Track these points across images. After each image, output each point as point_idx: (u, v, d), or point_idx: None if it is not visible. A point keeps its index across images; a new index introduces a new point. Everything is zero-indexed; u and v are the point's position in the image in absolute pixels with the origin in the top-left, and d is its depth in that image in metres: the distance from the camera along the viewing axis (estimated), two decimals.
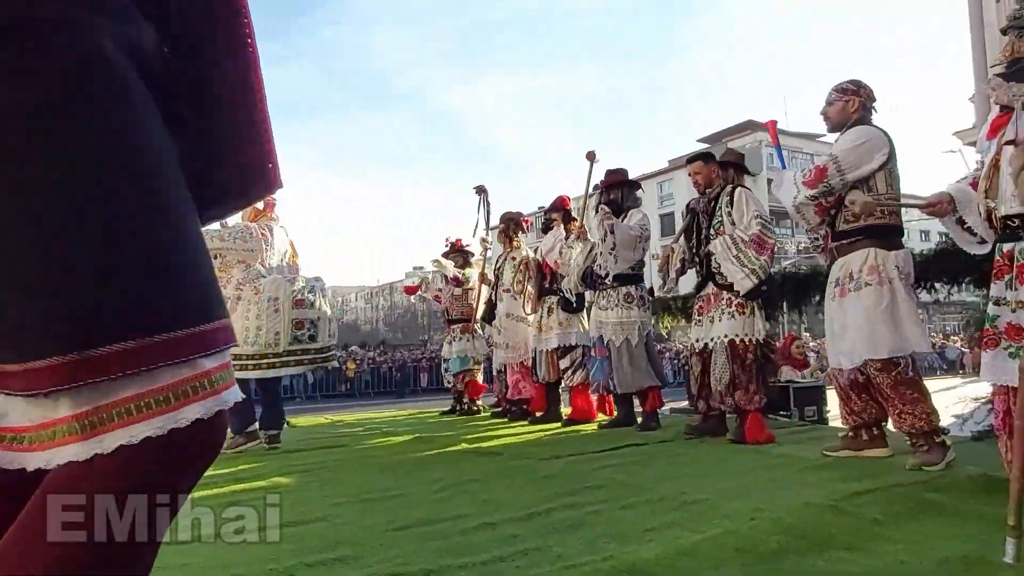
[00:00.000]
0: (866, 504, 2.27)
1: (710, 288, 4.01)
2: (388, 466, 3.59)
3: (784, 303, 5.15)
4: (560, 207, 5.58)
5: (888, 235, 3.08)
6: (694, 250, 4.14)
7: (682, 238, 4.29)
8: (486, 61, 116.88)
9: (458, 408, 6.59)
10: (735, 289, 3.80)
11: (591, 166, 4.71)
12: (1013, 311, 2.24)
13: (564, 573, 1.81)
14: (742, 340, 3.79)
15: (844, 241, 3.12)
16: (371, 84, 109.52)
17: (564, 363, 5.28)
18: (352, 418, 6.82)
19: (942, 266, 3.83)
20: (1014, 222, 2.24)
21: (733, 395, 3.78)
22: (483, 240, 6.32)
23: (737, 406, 3.79)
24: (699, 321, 4.05)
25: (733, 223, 3.87)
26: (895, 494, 2.39)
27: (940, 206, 2.63)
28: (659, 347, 5.50)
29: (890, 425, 3.20)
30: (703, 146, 40.50)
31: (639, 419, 4.67)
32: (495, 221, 6.11)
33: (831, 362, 3.27)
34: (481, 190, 6.12)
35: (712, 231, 3.97)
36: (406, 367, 21.16)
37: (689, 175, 4.22)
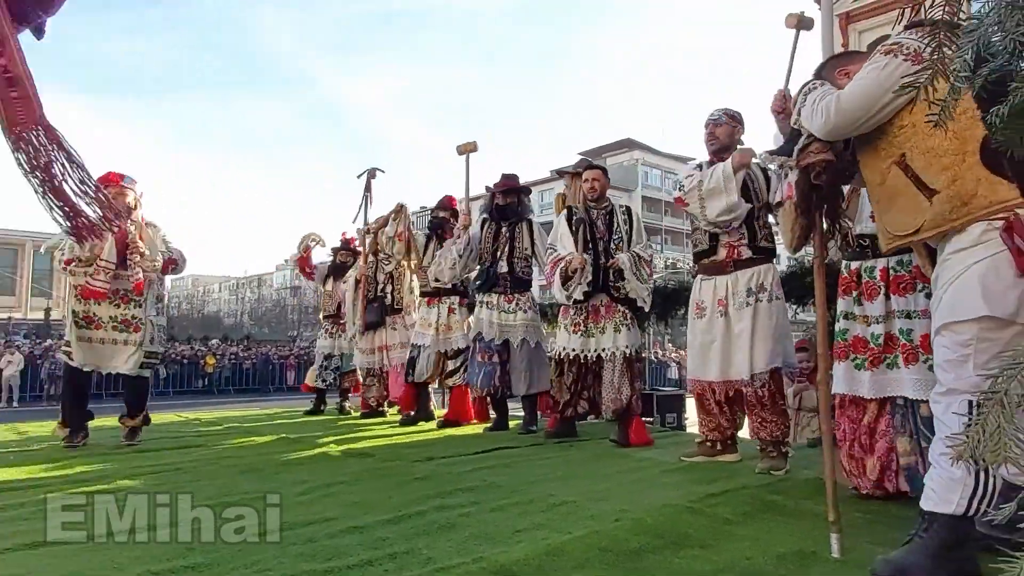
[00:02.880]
0: (718, 504, 2.44)
1: (602, 299, 4.09)
2: (250, 468, 3.40)
3: (652, 316, 5.44)
4: (448, 206, 5.58)
5: (773, 255, 3.36)
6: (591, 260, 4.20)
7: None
8: (372, 54, 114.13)
9: (323, 407, 6.39)
10: (638, 304, 4.00)
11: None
12: (865, 325, 2.51)
13: (435, 575, 1.80)
14: (631, 352, 3.97)
15: (742, 257, 3.29)
16: (251, 65, 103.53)
17: (454, 363, 5.24)
18: (211, 416, 6.38)
19: (791, 286, 4.19)
20: (865, 241, 2.51)
21: (623, 403, 3.91)
22: (363, 230, 6.01)
23: (624, 412, 3.92)
24: (584, 331, 4.07)
25: (631, 240, 4.06)
26: (743, 496, 2.59)
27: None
28: None
29: (743, 432, 3.46)
30: (583, 158, 42.02)
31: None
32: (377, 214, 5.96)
33: (703, 374, 3.32)
34: (370, 174, 5.89)
35: (613, 245, 4.10)
36: (271, 363, 20.18)
37: (586, 181, 4.25)
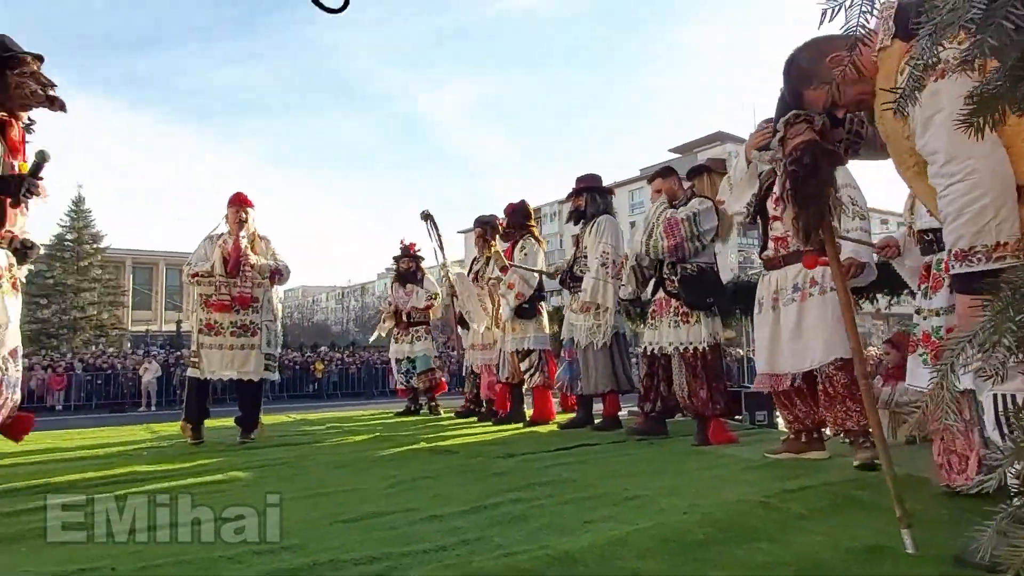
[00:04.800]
0: (794, 500, 2.39)
1: (660, 294, 4.14)
2: (344, 463, 3.65)
3: (738, 312, 5.32)
4: (506, 213, 5.75)
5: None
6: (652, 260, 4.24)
7: (642, 243, 4.39)
8: (453, 66, 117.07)
9: (417, 408, 6.67)
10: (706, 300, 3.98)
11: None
12: (924, 319, 2.41)
13: (501, 560, 1.89)
14: (687, 348, 3.93)
15: (790, 251, 3.25)
16: (337, 86, 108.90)
17: (524, 365, 5.38)
18: (316, 417, 6.84)
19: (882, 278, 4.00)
20: (928, 236, 2.41)
21: (692, 401, 3.91)
22: (442, 267, 6.34)
23: (696, 412, 3.92)
24: (652, 325, 4.17)
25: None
26: (822, 492, 2.52)
27: (888, 249, 2.89)
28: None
29: (827, 430, 3.36)
30: (675, 156, 41.06)
31: (598, 420, 4.81)
32: (469, 224, 6.26)
33: (772, 367, 3.31)
34: (427, 216, 6.17)
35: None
36: (374, 368, 21.09)
37: (654, 192, 4.33)
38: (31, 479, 3.29)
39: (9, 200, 2.73)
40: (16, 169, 2.85)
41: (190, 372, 4.69)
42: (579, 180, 5.05)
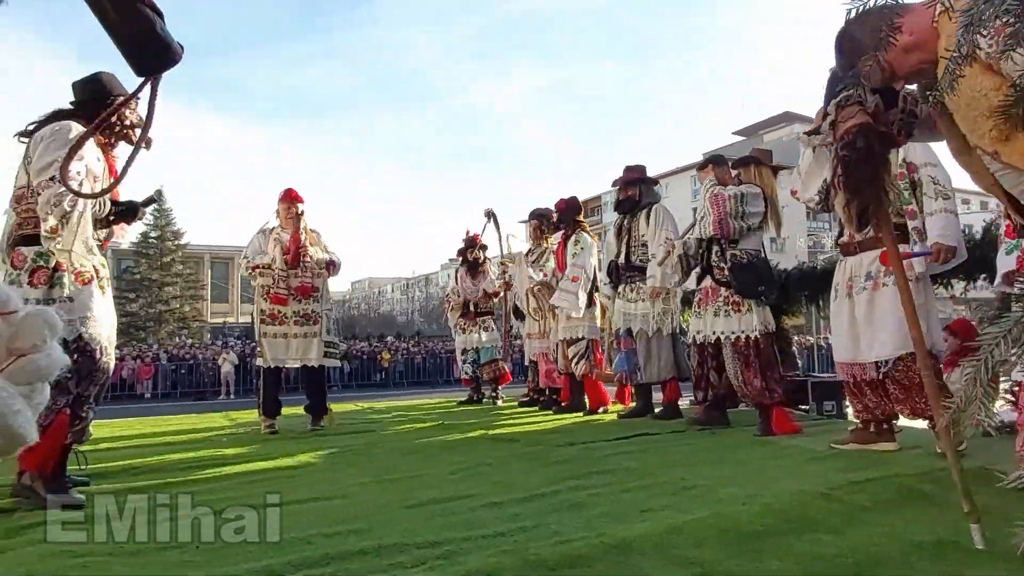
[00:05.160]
0: (858, 492, 2.34)
1: (708, 282, 4.08)
2: (410, 450, 3.78)
3: (803, 299, 5.18)
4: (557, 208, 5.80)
5: (906, 234, 3.13)
6: (699, 244, 4.20)
7: (690, 233, 4.35)
8: (510, 58, 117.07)
9: (480, 397, 6.79)
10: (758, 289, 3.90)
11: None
12: None
13: (557, 547, 1.94)
14: (739, 337, 3.88)
15: (865, 237, 3.13)
16: (399, 82, 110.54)
17: (570, 352, 5.41)
18: (382, 405, 7.06)
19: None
20: None
21: (747, 390, 3.88)
22: (502, 262, 6.61)
23: (755, 402, 3.88)
24: (698, 314, 4.14)
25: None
26: (889, 484, 2.45)
27: None
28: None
29: (902, 420, 3.25)
30: (739, 139, 39.80)
31: (657, 409, 4.80)
32: (525, 217, 6.32)
33: (849, 356, 3.23)
34: (490, 214, 6.43)
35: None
36: (438, 357, 21.48)
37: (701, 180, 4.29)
38: (126, 460, 3.58)
39: (121, 222, 3.00)
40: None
41: (258, 362, 4.90)
42: (629, 170, 5.04)
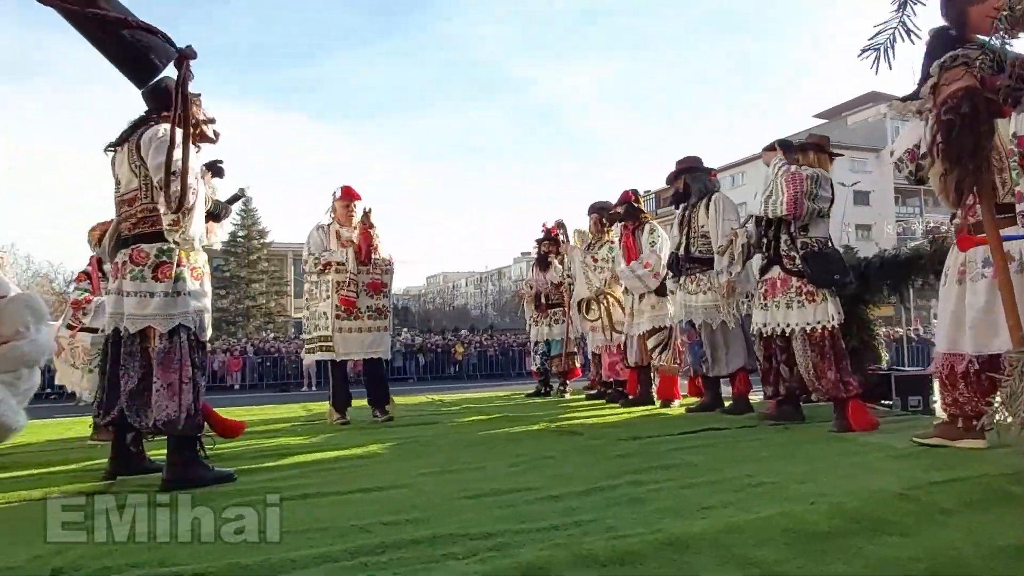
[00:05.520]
0: (939, 493, 2.19)
1: (776, 272, 3.90)
2: (474, 442, 3.82)
3: (885, 288, 4.88)
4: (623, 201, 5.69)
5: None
6: (763, 232, 4.03)
7: (751, 221, 4.18)
8: (582, 48, 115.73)
9: (547, 390, 6.78)
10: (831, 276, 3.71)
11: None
12: None
13: (611, 542, 1.90)
14: (814, 328, 3.69)
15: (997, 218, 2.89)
16: (473, 78, 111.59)
17: (651, 342, 5.30)
18: (452, 398, 7.16)
19: None
20: None
21: (821, 384, 3.69)
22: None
23: (830, 395, 3.70)
24: (764, 306, 3.96)
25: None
26: (975, 485, 2.28)
27: None
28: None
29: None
30: (821, 122, 37.97)
31: (728, 403, 4.66)
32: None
33: (952, 345, 2.98)
34: (560, 225, 6.70)
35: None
36: (511, 350, 21.63)
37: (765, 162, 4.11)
38: (207, 448, 3.77)
39: (211, 220, 3.13)
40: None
41: (321, 356, 4.98)
42: (677, 163, 4.93)
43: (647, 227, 5.42)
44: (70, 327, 4.48)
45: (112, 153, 2.98)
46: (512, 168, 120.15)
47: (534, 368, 6.96)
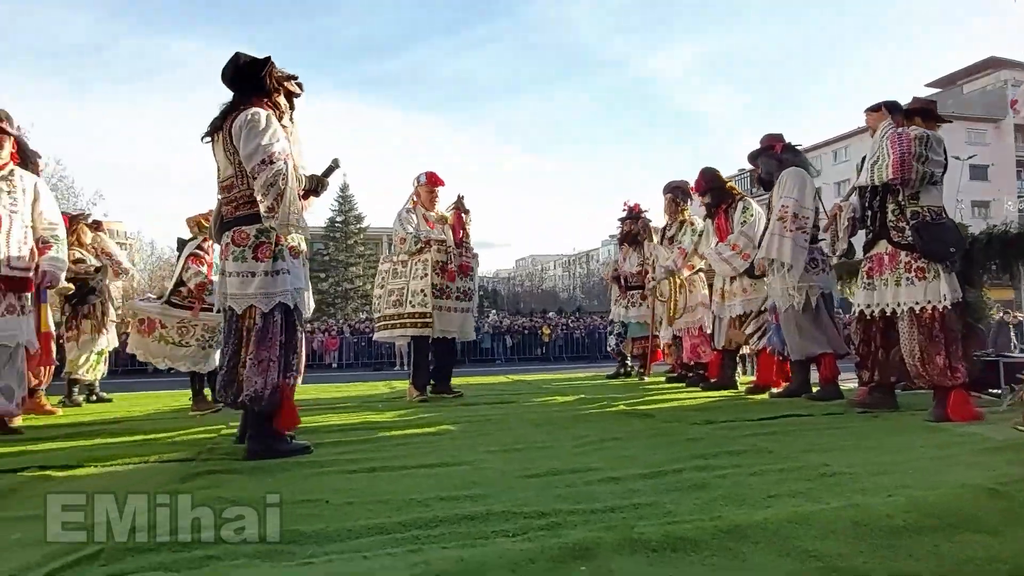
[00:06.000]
0: None
1: (883, 247, 3.61)
2: (543, 422, 3.81)
3: (992, 268, 4.44)
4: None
5: None
6: (866, 205, 3.74)
7: (855, 195, 3.90)
8: (675, 26, 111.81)
9: (627, 372, 6.68)
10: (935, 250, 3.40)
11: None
12: None
13: (665, 527, 1.85)
14: (924, 309, 3.38)
15: None
16: (564, 60, 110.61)
17: (749, 328, 5.09)
18: (532, 378, 7.20)
19: None
20: None
21: (926, 370, 3.41)
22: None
23: (934, 383, 3.42)
24: (869, 284, 3.67)
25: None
26: None
27: None
28: (845, 317, 5.10)
29: None
30: (934, 91, 34.96)
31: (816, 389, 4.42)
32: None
33: None
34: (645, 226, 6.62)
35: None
36: (597, 332, 21.47)
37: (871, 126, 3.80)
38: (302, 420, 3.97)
39: (309, 196, 3.18)
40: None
41: (415, 332, 5.05)
42: (763, 140, 4.68)
43: (740, 205, 5.15)
44: (187, 307, 4.81)
45: (209, 141, 3.10)
46: (603, 150, 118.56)
47: (610, 348, 6.88)
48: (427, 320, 5.00)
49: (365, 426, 3.86)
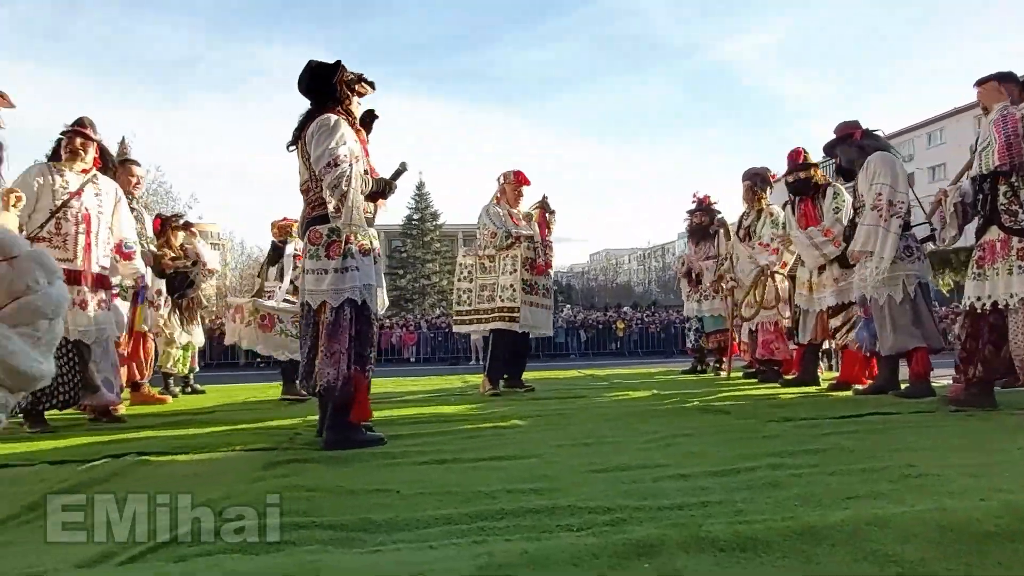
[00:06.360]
0: None
1: (995, 234, 3.36)
2: (614, 417, 3.78)
3: None
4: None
5: None
6: (977, 188, 3.48)
7: (965, 178, 3.65)
8: (749, 8, 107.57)
9: (703, 368, 6.52)
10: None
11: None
12: None
13: (735, 526, 1.80)
14: None
15: None
16: (636, 50, 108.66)
17: (836, 322, 4.86)
18: (604, 373, 7.15)
19: None
20: None
21: None
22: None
23: None
24: (979, 275, 3.42)
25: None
26: None
27: None
28: (942, 309, 4.79)
29: None
30: None
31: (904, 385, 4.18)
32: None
33: None
34: (721, 223, 6.42)
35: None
36: (673, 327, 21.06)
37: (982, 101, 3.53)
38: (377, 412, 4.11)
39: (378, 198, 3.32)
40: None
41: (502, 325, 5.14)
42: (839, 128, 4.43)
43: (830, 191, 4.89)
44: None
45: (294, 149, 3.27)
46: (679, 139, 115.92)
47: (688, 345, 6.73)
48: (514, 315, 5.11)
49: (437, 419, 3.94)
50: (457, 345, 21.82)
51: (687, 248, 6.91)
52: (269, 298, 5.44)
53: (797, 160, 5.01)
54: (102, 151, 4.15)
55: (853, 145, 4.34)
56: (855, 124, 4.42)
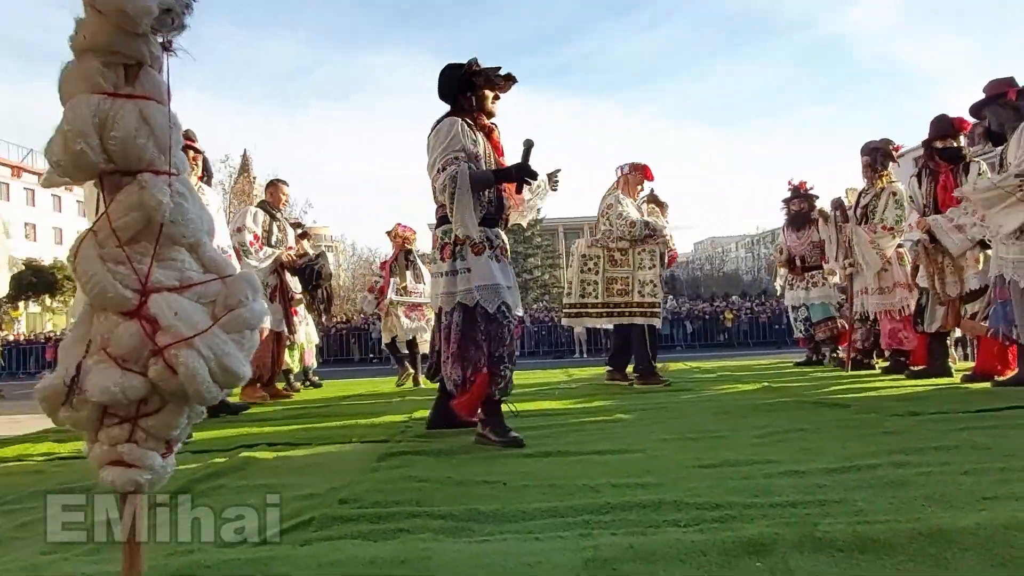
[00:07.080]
0: None
1: None
2: (722, 411, 3.67)
3: None
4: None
5: None
6: None
7: None
8: None
9: (819, 359, 6.18)
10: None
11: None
12: None
13: (854, 526, 1.71)
14: None
15: None
16: (739, 28, 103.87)
17: (973, 307, 4.44)
18: (712, 365, 6.95)
19: None
20: None
21: None
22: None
23: None
24: None
25: None
26: None
27: None
28: None
29: None
30: None
31: None
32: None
33: None
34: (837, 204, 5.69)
35: None
36: (784, 317, 20.07)
37: None
38: None
39: (514, 186, 3.21)
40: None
41: (643, 321, 5.09)
42: (990, 87, 4.01)
43: (974, 167, 4.43)
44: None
45: None
46: (791, 117, 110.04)
47: (799, 335, 6.40)
48: (655, 311, 5.09)
49: (542, 413, 3.98)
50: (560, 339, 21.88)
51: (783, 237, 6.56)
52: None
53: (960, 128, 4.49)
54: (204, 163, 4.41)
55: (1007, 106, 3.92)
56: (1010, 81, 3.99)
